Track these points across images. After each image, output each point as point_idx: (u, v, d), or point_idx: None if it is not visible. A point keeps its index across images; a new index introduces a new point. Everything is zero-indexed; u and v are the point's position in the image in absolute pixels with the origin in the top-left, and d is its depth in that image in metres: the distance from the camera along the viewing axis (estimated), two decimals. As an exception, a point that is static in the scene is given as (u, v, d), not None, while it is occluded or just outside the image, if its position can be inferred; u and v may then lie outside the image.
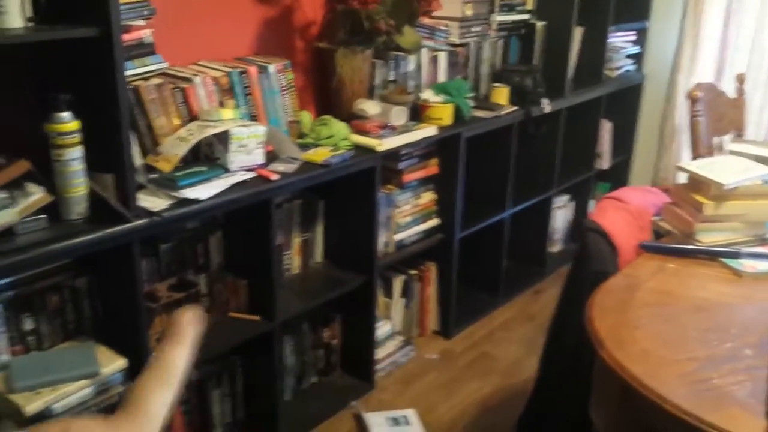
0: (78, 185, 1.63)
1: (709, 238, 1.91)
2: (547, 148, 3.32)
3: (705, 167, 1.97)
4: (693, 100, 2.99)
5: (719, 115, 3.17)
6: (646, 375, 1.37)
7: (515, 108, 2.94)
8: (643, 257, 1.90)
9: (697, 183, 1.96)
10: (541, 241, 3.50)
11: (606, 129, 3.67)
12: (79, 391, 1.71)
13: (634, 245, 1.93)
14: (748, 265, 1.82)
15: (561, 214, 3.64)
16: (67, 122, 1.58)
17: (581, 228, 1.98)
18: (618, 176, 3.94)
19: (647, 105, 3.90)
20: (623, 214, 2.02)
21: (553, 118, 3.21)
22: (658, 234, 2.05)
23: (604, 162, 3.70)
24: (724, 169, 1.95)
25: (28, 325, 1.75)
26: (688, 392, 1.33)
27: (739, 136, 3.26)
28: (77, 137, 1.60)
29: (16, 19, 1.48)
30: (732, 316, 1.64)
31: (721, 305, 1.67)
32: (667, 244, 1.95)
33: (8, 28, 1.47)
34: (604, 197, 2.16)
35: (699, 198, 1.92)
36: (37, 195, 1.59)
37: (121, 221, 1.67)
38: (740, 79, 3.33)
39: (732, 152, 2.41)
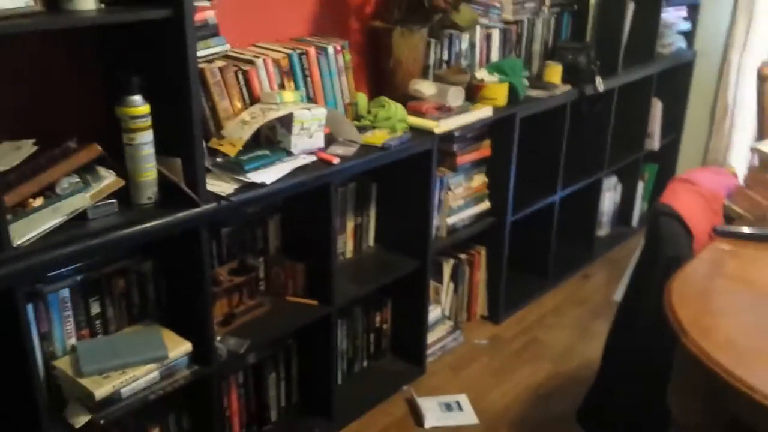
0: (149, 169, 1.62)
1: (786, 223, 1.85)
2: (598, 128, 3.24)
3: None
4: (763, 78, 2.87)
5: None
6: (734, 364, 1.33)
7: (569, 87, 2.87)
8: (716, 242, 1.84)
9: (770, 164, 1.90)
10: (590, 224, 3.44)
11: (657, 108, 3.58)
12: (146, 375, 1.71)
13: (707, 230, 1.88)
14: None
15: (609, 196, 3.57)
16: (139, 106, 1.56)
17: (653, 211, 1.92)
18: (667, 157, 3.85)
19: (698, 83, 3.79)
20: (696, 197, 1.96)
21: (606, 97, 3.13)
22: (729, 218, 1.99)
23: (655, 142, 3.62)
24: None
25: (95, 309, 1.75)
26: (779, 382, 1.30)
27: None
28: (148, 121, 1.58)
29: (89, 1, 1.45)
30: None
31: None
32: (741, 228, 1.89)
33: (81, 10, 1.44)
34: (674, 179, 2.09)
35: (774, 180, 1.86)
36: (108, 179, 1.57)
37: (190, 205, 1.65)
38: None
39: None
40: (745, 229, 1.86)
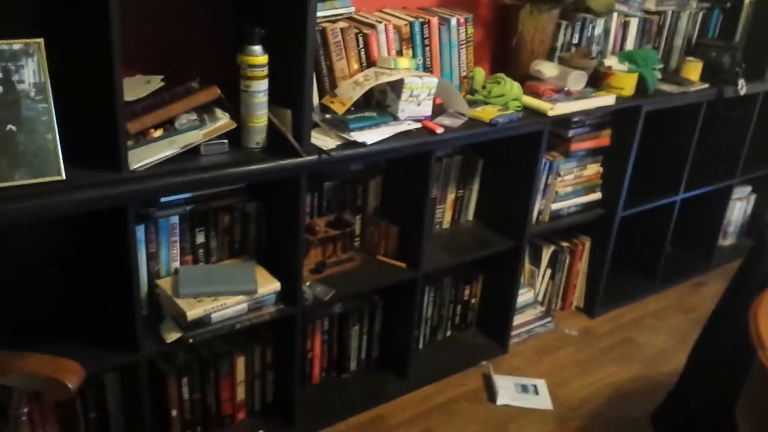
0: (260, 116, 1.73)
1: None
2: (736, 133, 3.06)
3: None
4: None
5: None
6: None
7: (706, 86, 2.73)
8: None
9: None
10: (713, 232, 3.27)
11: (807, 120, 3.30)
12: (236, 305, 1.86)
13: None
14: None
15: (740, 206, 3.37)
16: (258, 55, 1.67)
17: (764, 223, 1.82)
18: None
19: None
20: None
21: (747, 102, 2.93)
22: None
23: (799, 156, 3.35)
24: None
25: (200, 239, 1.91)
26: None
27: None
28: (265, 71, 1.69)
29: (223, -47, 1.56)
30: None
31: None
32: None
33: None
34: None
35: None
36: (222, 120, 1.71)
37: (294, 155, 1.75)
38: None
39: None
40: None
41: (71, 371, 1.29)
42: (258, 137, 1.76)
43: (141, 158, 1.56)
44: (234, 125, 1.73)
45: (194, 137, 1.65)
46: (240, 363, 2.08)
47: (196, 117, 1.69)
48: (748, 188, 3.39)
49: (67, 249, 1.82)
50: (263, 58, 1.69)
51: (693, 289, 3.20)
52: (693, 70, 2.75)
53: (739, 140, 3.06)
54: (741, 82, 2.78)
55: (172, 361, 1.97)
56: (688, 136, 2.81)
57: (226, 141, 1.73)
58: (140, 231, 1.75)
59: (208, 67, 1.82)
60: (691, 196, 2.96)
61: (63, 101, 1.50)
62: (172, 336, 1.77)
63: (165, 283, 1.85)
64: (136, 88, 1.64)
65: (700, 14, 2.87)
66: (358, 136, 1.87)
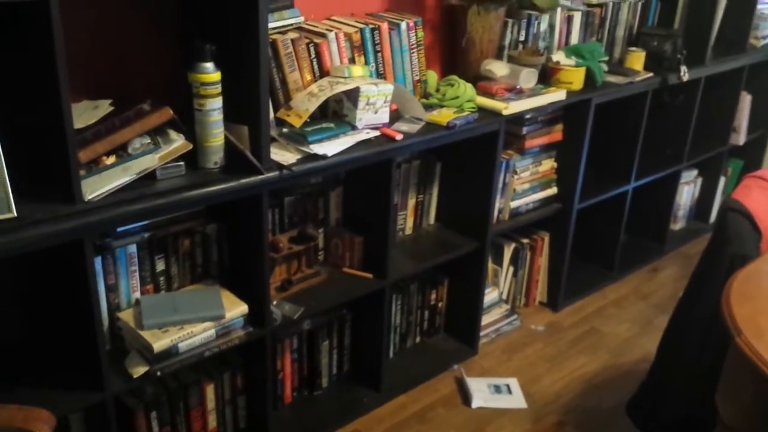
0: (216, 135, 1.67)
1: None
2: (680, 119, 3.13)
3: None
4: None
5: None
6: None
7: (651, 74, 2.78)
8: (787, 244, 1.77)
9: None
10: (664, 218, 3.34)
11: (745, 102, 3.41)
12: (203, 332, 1.79)
13: (779, 229, 1.80)
14: None
15: (687, 190, 3.45)
16: (210, 73, 1.61)
17: (722, 207, 1.86)
18: (753, 154, 3.67)
19: (792, 78, 3.58)
20: (769, 195, 1.88)
21: (690, 88, 3.01)
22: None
23: (740, 137, 3.45)
24: None
25: (160, 266, 1.84)
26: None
27: None
28: (218, 88, 1.63)
29: (168, -32, 1.50)
30: None
31: None
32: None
33: (160, -22, 1.50)
34: (748, 175, 2.01)
35: None
36: (178, 142, 1.64)
37: (254, 172, 1.70)
38: None
39: None
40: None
41: (41, 420, 1.22)
42: (215, 157, 1.70)
43: (95, 188, 1.48)
44: (190, 146, 1.66)
45: (149, 162, 1.58)
46: (209, 391, 2.01)
47: (149, 140, 1.62)
48: (695, 172, 3.48)
49: (24, 286, 1.72)
50: (216, 75, 1.63)
51: (649, 274, 3.27)
52: (637, 59, 2.80)
53: (684, 125, 3.13)
54: (683, 68, 2.84)
55: (139, 396, 1.89)
56: (636, 125, 2.86)
57: (182, 163, 1.66)
58: (97, 263, 1.66)
59: (160, 87, 1.75)
60: (642, 184, 3.02)
61: (9, 135, 1.40)
62: (138, 370, 1.69)
63: (127, 316, 1.76)
64: (84, 114, 1.56)
65: (640, 4, 2.92)
66: (318, 149, 1.83)
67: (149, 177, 1.60)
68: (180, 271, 1.88)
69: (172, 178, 1.64)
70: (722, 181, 3.57)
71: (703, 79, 3.03)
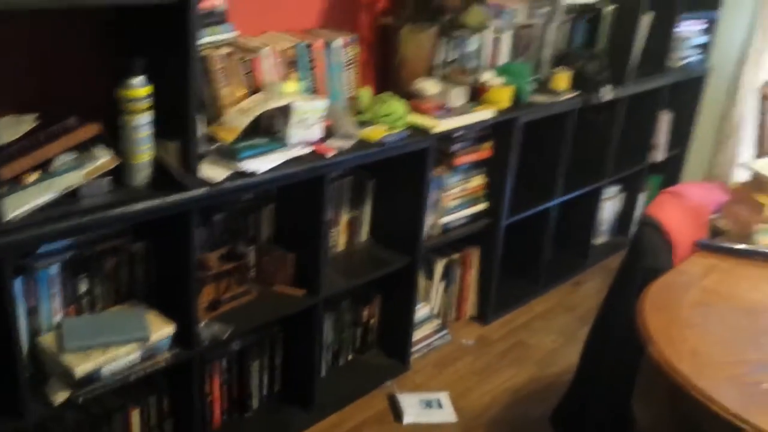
0: (144, 151, 1.63)
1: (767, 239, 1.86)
2: (603, 137, 3.24)
3: (769, 167, 1.91)
4: (765, 97, 2.87)
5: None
6: (696, 375, 1.36)
7: (575, 93, 2.87)
8: (697, 255, 1.87)
9: (759, 183, 1.90)
10: (587, 232, 3.45)
11: (664, 120, 3.57)
12: (127, 355, 1.73)
13: (690, 242, 1.89)
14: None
15: (609, 205, 3.58)
16: (137, 88, 1.57)
17: (639, 222, 1.94)
18: (671, 170, 3.84)
19: (708, 98, 3.77)
20: (682, 210, 1.97)
21: (612, 106, 3.12)
22: (715, 233, 1.99)
23: (659, 154, 3.61)
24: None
25: (83, 287, 1.77)
26: (737, 395, 1.33)
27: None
28: (146, 103, 1.59)
29: (94, -19, 1.45)
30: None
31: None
32: (723, 243, 1.90)
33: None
34: (663, 191, 2.10)
35: (761, 198, 1.86)
36: (103, 159, 1.58)
37: (181, 190, 1.66)
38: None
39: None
40: (726, 244, 1.87)
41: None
42: (142, 173, 1.65)
43: (16, 206, 1.41)
44: (116, 162, 1.61)
45: (74, 179, 1.52)
46: (135, 416, 1.94)
47: (75, 156, 1.56)
48: (617, 188, 3.61)
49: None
50: (143, 91, 1.59)
51: (573, 288, 3.36)
52: (562, 79, 2.88)
53: (606, 143, 3.24)
54: (606, 88, 2.95)
55: (61, 423, 1.80)
56: (561, 143, 2.95)
57: (107, 179, 1.60)
58: (17, 284, 1.58)
59: (91, 103, 1.68)
60: (566, 200, 3.11)
61: None
62: (59, 396, 1.62)
63: (47, 340, 1.69)
64: (6, 130, 1.48)
65: (567, 25, 3.02)
66: (248, 165, 1.80)
67: (74, 194, 1.55)
68: (104, 292, 1.81)
69: (97, 196, 1.58)
70: (642, 196, 3.72)
71: (626, 99, 3.15)
